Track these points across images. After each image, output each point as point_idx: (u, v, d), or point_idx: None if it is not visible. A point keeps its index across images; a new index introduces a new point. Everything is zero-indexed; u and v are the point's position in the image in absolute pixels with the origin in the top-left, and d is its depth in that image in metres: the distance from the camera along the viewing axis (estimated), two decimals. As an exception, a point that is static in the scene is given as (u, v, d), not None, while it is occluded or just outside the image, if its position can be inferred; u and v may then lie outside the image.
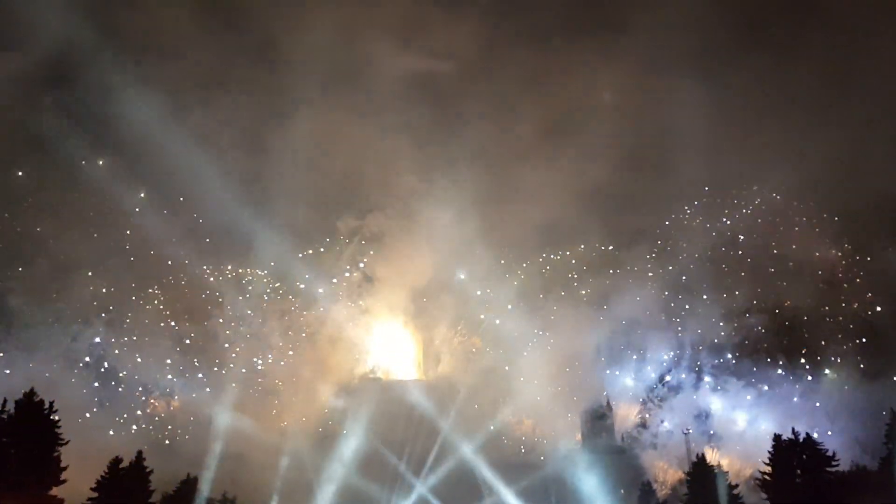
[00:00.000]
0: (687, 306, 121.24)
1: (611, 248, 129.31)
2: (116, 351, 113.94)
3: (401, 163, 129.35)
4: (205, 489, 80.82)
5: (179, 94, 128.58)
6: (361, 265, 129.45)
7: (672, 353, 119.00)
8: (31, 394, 65.63)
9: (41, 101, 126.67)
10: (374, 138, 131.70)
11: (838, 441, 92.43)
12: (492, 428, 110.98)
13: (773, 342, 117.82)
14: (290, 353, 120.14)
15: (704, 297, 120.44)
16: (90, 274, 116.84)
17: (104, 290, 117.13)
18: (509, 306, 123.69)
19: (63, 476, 64.43)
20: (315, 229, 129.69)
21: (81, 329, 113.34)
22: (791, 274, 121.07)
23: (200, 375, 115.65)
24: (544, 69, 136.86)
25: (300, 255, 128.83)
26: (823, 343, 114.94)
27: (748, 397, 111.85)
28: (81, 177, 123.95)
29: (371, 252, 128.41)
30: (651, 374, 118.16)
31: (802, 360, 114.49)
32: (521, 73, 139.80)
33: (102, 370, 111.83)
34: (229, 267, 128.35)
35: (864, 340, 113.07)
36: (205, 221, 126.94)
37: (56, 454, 64.70)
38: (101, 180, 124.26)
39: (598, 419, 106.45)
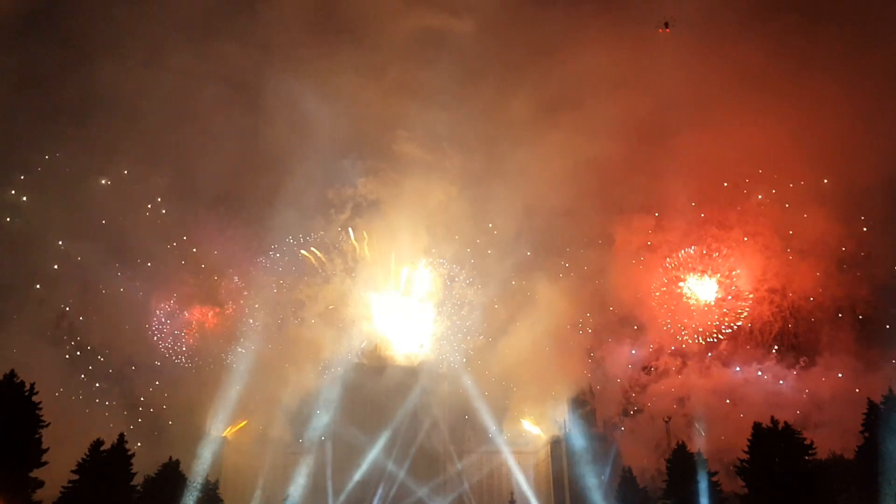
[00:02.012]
0: (678, 287, 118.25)
1: (608, 222, 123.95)
2: (82, 317, 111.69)
3: (401, 127, 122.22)
4: (187, 473, 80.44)
5: (164, 42, 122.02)
6: (352, 235, 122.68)
7: (658, 338, 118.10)
8: (11, 375, 64.95)
9: (18, 48, 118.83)
10: (375, 99, 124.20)
11: (827, 430, 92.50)
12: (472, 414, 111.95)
13: (768, 327, 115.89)
14: (272, 329, 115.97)
15: (697, 277, 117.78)
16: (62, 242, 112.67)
17: (79, 258, 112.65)
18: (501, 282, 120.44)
19: (43, 458, 64.03)
20: (306, 197, 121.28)
21: (53, 298, 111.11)
22: (795, 255, 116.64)
23: (177, 356, 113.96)
24: (562, 34, 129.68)
25: (287, 227, 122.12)
26: (819, 329, 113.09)
27: (735, 382, 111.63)
28: (60, 135, 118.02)
29: (364, 223, 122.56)
30: (637, 358, 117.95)
31: (796, 346, 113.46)
32: (539, 37, 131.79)
33: (76, 343, 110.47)
34: (211, 240, 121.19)
35: (861, 328, 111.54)
36: (188, 183, 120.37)
37: (37, 436, 64.24)
38: (81, 138, 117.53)
39: (581, 406, 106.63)
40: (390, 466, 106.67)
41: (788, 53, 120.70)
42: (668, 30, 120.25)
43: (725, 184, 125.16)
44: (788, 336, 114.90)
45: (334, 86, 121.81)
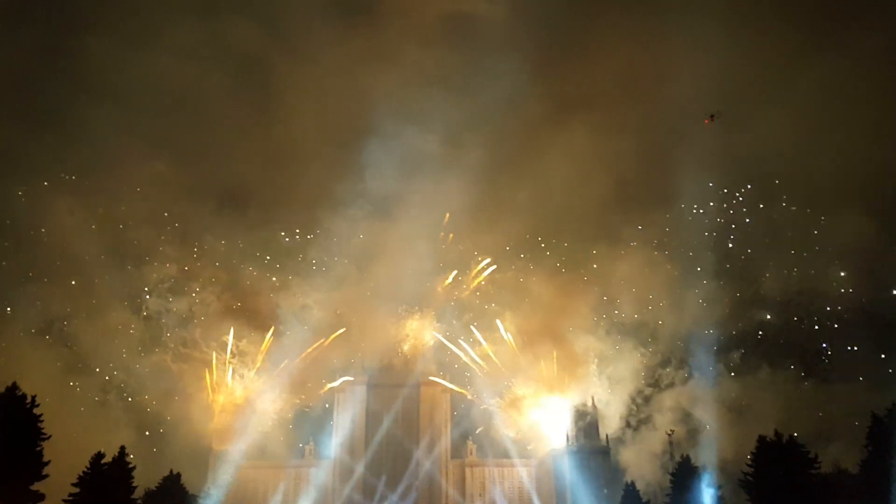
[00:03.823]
0: (684, 297, 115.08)
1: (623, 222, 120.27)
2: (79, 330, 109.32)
3: (417, 119, 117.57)
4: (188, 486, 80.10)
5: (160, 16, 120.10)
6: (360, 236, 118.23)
7: (664, 349, 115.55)
8: (13, 388, 64.97)
9: (14, 36, 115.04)
10: (392, 86, 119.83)
11: (839, 443, 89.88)
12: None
13: (778, 336, 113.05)
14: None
15: (705, 289, 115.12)
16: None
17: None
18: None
19: (44, 471, 63.95)
20: (314, 196, 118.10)
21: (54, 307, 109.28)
22: (821, 256, 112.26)
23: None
24: (593, 28, 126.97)
25: (292, 230, 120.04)
26: (842, 335, 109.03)
27: (742, 393, 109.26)
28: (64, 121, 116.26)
29: (373, 219, 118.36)
30: (641, 371, 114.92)
31: (805, 357, 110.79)
32: (570, 30, 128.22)
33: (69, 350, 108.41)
34: (218, 239, 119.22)
35: (874, 338, 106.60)
36: (193, 176, 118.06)
37: (38, 448, 64.18)
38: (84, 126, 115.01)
39: (583, 418, 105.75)
40: (395, 479, 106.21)
41: (821, 40, 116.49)
42: (713, 119, 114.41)
43: (749, 186, 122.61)
44: (808, 342, 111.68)
45: (348, 73, 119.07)
